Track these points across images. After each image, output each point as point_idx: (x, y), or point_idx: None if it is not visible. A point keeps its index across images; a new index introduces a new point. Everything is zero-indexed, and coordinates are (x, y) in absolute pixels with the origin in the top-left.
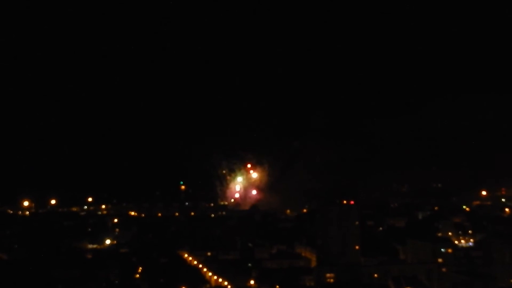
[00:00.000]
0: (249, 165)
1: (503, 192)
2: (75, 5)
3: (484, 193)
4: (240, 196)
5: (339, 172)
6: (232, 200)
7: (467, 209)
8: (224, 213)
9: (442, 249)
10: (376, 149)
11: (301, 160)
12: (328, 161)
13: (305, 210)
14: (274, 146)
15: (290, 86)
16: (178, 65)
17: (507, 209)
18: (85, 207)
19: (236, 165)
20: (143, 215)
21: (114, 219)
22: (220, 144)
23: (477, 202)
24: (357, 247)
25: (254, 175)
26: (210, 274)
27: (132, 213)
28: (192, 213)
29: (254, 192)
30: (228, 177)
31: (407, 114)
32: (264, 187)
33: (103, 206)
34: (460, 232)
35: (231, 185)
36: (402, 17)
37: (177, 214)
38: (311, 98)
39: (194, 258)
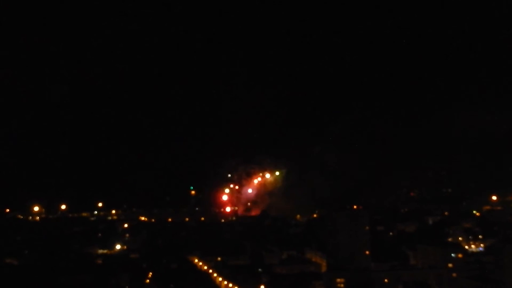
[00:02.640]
0: (258, 173)
1: None
2: (74, 5)
3: (494, 198)
4: (251, 201)
5: (349, 178)
6: (230, 208)
7: (478, 214)
8: (234, 218)
9: (452, 254)
10: (386, 155)
11: (313, 166)
12: (338, 167)
13: (315, 215)
14: (286, 153)
15: (305, 93)
16: (191, 70)
17: None
18: (95, 212)
19: (246, 170)
20: (153, 220)
21: (124, 225)
22: (230, 150)
23: (488, 207)
24: (367, 252)
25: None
26: (220, 279)
27: (142, 218)
28: (202, 218)
29: (250, 190)
30: (239, 183)
31: (417, 119)
32: (275, 192)
33: (113, 211)
34: (470, 237)
35: (242, 190)
36: (416, 28)
37: (187, 219)
38: (325, 105)
39: (204, 263)
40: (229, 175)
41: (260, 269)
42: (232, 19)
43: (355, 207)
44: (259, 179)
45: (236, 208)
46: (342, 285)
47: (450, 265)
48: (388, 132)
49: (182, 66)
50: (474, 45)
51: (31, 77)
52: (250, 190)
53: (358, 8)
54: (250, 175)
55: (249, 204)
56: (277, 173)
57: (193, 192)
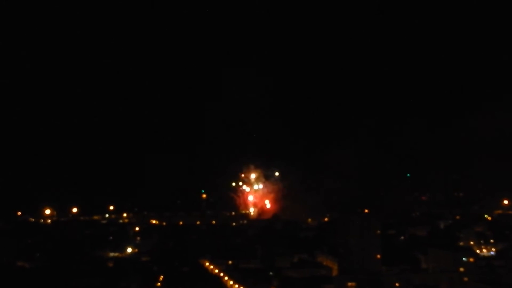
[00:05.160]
0: (276, 173)
1: None
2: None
3: (506, 202)
4: (260, 205)
5: (361, 181)
6: (252, 210)
7: (489, 218)
8: (245, 221)
9: (463, 258)
10: (398, 159)
11: (325, 169)
12: (350, 170)
13: (326, 219)
14: (299, 156)
15: (320, 99)
16: (206, 72)
17: None
18: (107, 215)
19: (258, 173)
20: (164, 223)
21: (135, 228)
22: (243, 153)
23: (499, 211)
24: (378, 256)
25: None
26: (231, 282)
27: (154, 221)
28: (213, 222)
29: (267, 202)
30: (249, 186)
31: (429, 124)
32: (287, 196)
33: (125, 215)
34: (482, 241)
35: (252, 194)
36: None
37: (198, 222)
38: (340, 110)
39: (215, 267)
40: (241, 178)
41: (271, 273)
42: (249, 20)
43: (366, 210)
44: (272, 182)
45: (248, 211)
46: None
47: (461, 269)
48: (400, 136)
49: (195, 68)
50: (488, 49)
51: (42, 81)
52: (259, 194)
53: (384, 12)
54: (262, 178)
55: (261, 207)
56: (290, 176)
57: (204, 195)
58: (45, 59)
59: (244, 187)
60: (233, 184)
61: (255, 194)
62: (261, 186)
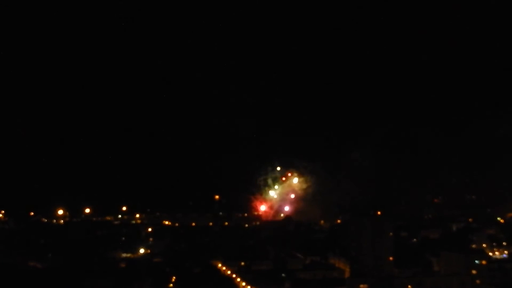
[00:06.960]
0: (288, 175)
1: None
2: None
3: None
4: (274, 206)
5: (374, 184)
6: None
7: (502, 221)
8: (257, 223)
9: (476, 261)
10: (410, 161)
11: (338, 171)
12: (363, 173)
13: (338, 221)
14: (315, 158)
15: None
16: (223, 73)
17: None
18: (119, 216)
19: (272, 175)
20: (176, 224)
21: (148, 229)
22: (256, 154)
23: (511, 214)
24: (390, 259)
25: (293, 181)
26: (243, 284)
27: (166, 222)
28: (226, 223)
29: (286, 208)
30: (264, 187)
31: (441, 126)
32: (300, 198)
33: (137, 215)
34: (494, 244)
35: (266, 195)
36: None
37: (210, 224)
38: (356, 115)
39: (228, 268)
40: (255, 180)
41: (283, 274)
42: (265, 17)
43: (379, 213)
44: (287, 183)
45: (260, 213)
46: None
47: (473, 271)
48: (412, 139)
49: (211, 69)
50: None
51: (54, 83)
52: (276, 196)
53: (401, 18)
54: (277, 180)
55: (275, 209)
56: (306, 178)
57: (216, 197)
58: (53, 60)
59: (260, 188)
60: (248, 185)
61: (271, 196)
62: (276, 187)
